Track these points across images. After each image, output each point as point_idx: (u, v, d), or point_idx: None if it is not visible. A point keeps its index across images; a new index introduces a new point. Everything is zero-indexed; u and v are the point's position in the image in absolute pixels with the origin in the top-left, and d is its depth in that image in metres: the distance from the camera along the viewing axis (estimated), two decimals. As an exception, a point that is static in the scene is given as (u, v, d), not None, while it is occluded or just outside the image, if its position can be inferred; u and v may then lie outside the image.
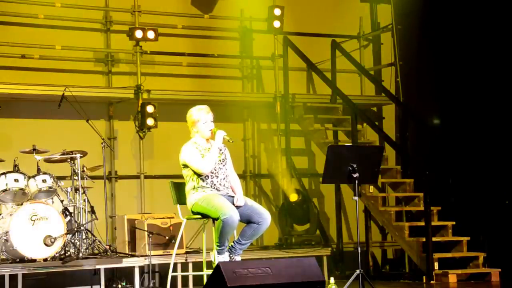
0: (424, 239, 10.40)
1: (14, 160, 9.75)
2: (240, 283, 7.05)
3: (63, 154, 10.05)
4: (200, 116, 8.01)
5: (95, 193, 10.65)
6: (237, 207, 7.82)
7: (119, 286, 10.11)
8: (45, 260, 9.36)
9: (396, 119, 13.05)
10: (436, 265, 10.29)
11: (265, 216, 7.85)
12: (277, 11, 12.37)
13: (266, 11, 12.44)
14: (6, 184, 9.54)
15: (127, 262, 9.92)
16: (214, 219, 7.74)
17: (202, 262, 8.32)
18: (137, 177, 11.79)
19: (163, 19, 12.27)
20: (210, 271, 7.59)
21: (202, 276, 8.21)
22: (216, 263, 7.56)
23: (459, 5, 12.02)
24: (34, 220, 9.31)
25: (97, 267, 9.74)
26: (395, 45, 12.89)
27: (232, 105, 12.36)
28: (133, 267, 9.96)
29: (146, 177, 11.79)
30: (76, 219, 9.88)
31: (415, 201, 11.37)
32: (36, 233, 9.30)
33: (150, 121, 11.40)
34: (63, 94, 10.51)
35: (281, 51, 12.48)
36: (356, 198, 8.22)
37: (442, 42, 12.33)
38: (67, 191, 10.03)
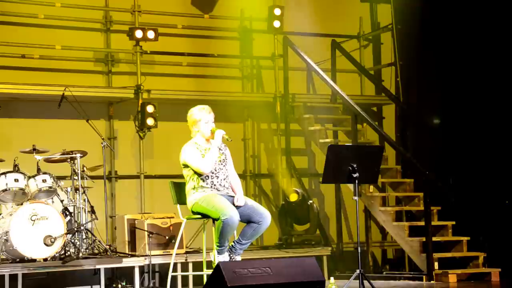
0: (424, 239, 10.39)
1: (14, 160, 9.74)
2: (240, 283, 7.05)
3: (63, 154, 10.05)
4: (202, 115, 8.01)
5: (95, 193, 10.65)
6: (237, 207, 7.83)
7: (119, 286, 10.11)
8: (45, 260, 9.35)
9: (396, 119, 13.04)
10: (436, 265, 10.28)
11: (265, 215, 7.86)
12: (277, 11, 12.37)
13: (266, 11, 12.43)
14: (6, 184, 9.53)
15: (127, 262, 9.91)
16: (214, 219, 7.75)
17: (202, 262, 8.32)
18: (137, 177, 11.79)
19: (163, 19, 12.27)
20: (210, 271, 7.59)
21: (202, 276, 8.22)
22: (216, 263, 7.57)
23: (459, 5, 12.01)
24: (34, 220, 9.31)
25: (97, 267, 9.74)
26: (395, 45, 12.88)
27: (232, 105, 12.35)
28: (133, 267, 9.97)
29: (146, 177, 11.78)
30: (76, 219, 9.88)
31: (415, 201, 11.36)
32: (36, 233, 9.29)
33: (150, 121, 11.40)
34: (63, 94, 10.51)
35: (281, 51, 12.48)
36: (356, 198, 8.22)
37: (442, 42, 12.32)
38: (67, 191, 10.03)
